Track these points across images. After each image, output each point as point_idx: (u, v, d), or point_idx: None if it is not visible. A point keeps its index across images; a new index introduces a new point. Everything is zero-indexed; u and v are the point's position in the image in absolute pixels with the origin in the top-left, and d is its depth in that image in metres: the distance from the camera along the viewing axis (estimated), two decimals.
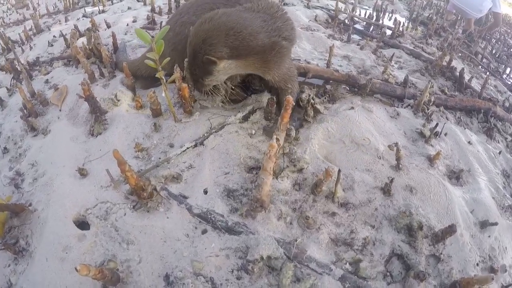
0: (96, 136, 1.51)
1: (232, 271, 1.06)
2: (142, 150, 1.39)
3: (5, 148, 1.67)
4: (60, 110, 1.78)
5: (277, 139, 1.12)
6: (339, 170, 1.17)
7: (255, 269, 1.04)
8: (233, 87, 1.63)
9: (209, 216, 1.15)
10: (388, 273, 1.09)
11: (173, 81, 1.48)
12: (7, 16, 4.02)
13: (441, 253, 1.17)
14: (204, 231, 1.15)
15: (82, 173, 1.36)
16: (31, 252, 1.17)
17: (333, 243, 1.12)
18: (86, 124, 1.63)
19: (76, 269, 0.85)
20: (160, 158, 1.35)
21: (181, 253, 1.11)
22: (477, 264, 1.21)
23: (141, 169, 1.32)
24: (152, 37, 1.28)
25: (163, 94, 1.40)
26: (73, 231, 1.18)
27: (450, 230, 1.12)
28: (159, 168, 1.31)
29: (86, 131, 1.57)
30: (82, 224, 1.23)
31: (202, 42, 1.26)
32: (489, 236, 1.32)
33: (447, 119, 1.85)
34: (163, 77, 1.34)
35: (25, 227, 1.25)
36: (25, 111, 1.78)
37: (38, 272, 1.10)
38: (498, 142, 1.93)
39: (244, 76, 1.73)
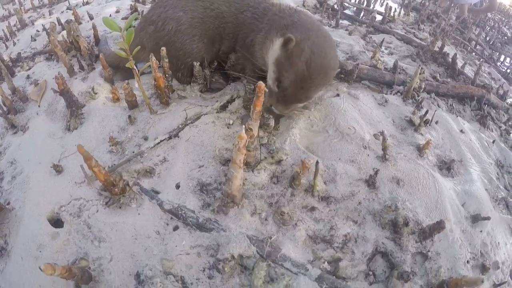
0: (72, 131, 1.41)
1: (204, 270, 0.98)
2: (116, 144, 1.29)
3: None
4: (39, 106, 1.68)
5: (250, 129, 1.01)
6: (317, 162, 1.06)
7: (226, 268, 0.95)
8: (213, 75, 1.54)
9: (180, 212, 1.06)
10: (370, 272, 0.99)
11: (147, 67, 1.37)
12: None
13: (428, 250, 1.06)
14: (175, 228, 1.06)
15: (57, 169, 1.28)
16: (9, 252, 1.13)
17: (311, 240, 1.02)
18: (63, 119, 1.53)
19: (40, 268, 0.80)
20: (133, 152, 1.25)
21: (151, 251, 1.03)
22: (468, 262, 1.10)
23: (115, 164, 1.22)
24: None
25: (136, 85, 1.29)
26: (47, 229, 1.13)
27: (439, 226, 1.01)
28: (132, 162, 1.21)
29: (63, 127, 1.48)
30: (57, 222, 1.17)
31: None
32: (481, 231, 1.21)
33: (439, 107, 1.73)
34: (134, 67, 1.23)
35: (4, 226, 1.21)
36: (4, 108, 1.68)
37: (14, 271, 1.07)
38: (492, 131, 1.80)
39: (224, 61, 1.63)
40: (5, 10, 3.46)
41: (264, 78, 1.22)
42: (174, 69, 1.51)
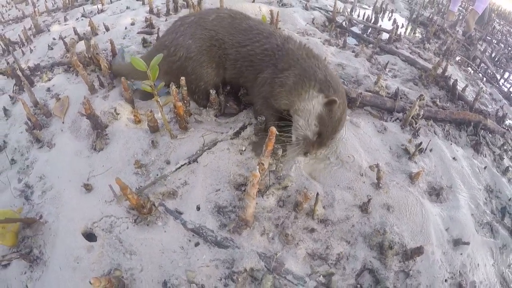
0: (99, 152, 1.68)
1: (221, 279, 1.25)
2: (141, 166, 1.56)
3: (12, 159, 1.85)
4: (63, 123, 1.94)
5: (262, 164, 1.28)
6: (317, 194, 1.33)
7: (239, 279, 1.22)
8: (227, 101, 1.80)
9: (201, 231, 1.33)
10: (358, 286, 1.26)
11: (169, 102, 1.63)
12: (6, 11, 4.13)
13: (410, 269, 1.33)
14: (196, 244, 1.33)
15: (87, 188, 1.52)
16: (45, 261, 1.35)
17: (309, 257, 1.30)
18: (88, 137, 1.79)
19: (90, 282, 1.05)
20: (157, 175, 1.52)
21: (176, 263, 1.30)
22: (446, 280, 1.36)
23: (141, 185, 1.49)
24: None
25: (159, 115, 1.55)
26: (82, 243, 1.36)
27: (418, 251, 1.28)
28: (157, 185, 1.48)
29: (88, 145, 1.74)
30: (90, 235, 1.41)
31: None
32: (461, 254, 1.46)
33: (435, 133, 1.97)
34: (158, 100, 1.49)
35: (38, 237, 1.43)
36: (29, 123, 1.93)
37: (53, 280, 1.28)
38: (485, 156, 2.05)
39: (237, 90, 1.88)
40: (19, 11, 3.72)
41: (282, 119, 1.49)
42: (191, 92, 1.77)
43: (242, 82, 1.74)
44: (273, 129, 1.19)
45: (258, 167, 1.20)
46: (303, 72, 1.45)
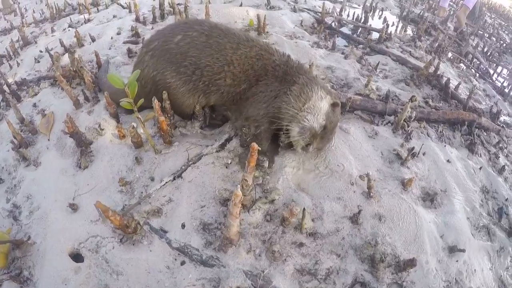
0: (83, 170, 1.64)
1: None
2: (125, 184, 1.52)
3: (0, 178, 1.82)
4: (48, 140, 1.90)
5: (245, 180, 1.24)
6: (304, 209, 1.29)
7: None
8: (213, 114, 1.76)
9: (186, 250, 1.30)
10: None
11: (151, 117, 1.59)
12: None
13: (404, 281, 1.29)
14: (182, 263, 1.30)
15: (73, 207, 1.49)
16: (35, 283, 1.34)
17: (298, 273, 1.26)
18: (73, 155, 1.75)
19: None
20: (142, 193, 1.48)
21: (163, 283, 1.27)
22: None
23: (126, 204, 1.46)
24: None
25: (142, 130, 1.51)
26: (70, 264, 1.33)
27: (411, 263, 1.24)
28: (142, 203, 1.44)
29: (74, 163, 1.70)
30: (77, 256, 1.38)
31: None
32: (457, 261, 1.43)
33: (428, 136, 1.93)
34: (139, 116, 1.45)
35: (27, 258, 1.41)
36: (15, 141, 1.90)
37: None
38: (480, 156, 2.00)
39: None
40: (7, 22, 3.68)
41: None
42: (173, 109, 1.70)
43: (228, 103, 1.67)
44: (255, 145, 1.15)
45: (240, 184, 1.16)
46: (309, 80, 1.57)
